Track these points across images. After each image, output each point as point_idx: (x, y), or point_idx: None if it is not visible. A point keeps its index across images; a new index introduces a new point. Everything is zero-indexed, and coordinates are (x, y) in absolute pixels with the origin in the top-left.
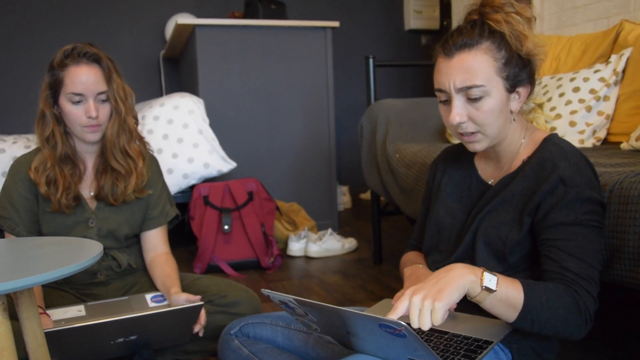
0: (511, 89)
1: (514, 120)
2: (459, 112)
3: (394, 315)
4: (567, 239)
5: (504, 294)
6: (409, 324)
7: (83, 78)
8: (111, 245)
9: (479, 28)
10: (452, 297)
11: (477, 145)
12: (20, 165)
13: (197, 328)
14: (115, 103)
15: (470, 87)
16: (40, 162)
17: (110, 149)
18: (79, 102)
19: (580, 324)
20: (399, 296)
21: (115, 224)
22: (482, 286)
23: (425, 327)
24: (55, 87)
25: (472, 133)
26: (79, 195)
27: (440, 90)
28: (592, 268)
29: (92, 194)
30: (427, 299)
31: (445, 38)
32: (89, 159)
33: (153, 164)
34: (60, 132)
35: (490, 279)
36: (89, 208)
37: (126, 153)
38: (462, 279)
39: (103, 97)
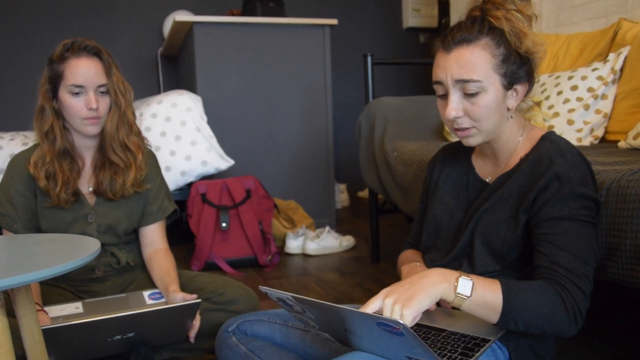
0: (508, 86)
1: (511, 117)
2: (455, 107)
3: (365, 310)
4: (560, 234)
5: (481, 297)
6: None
7: (83, 70)
8: (111, 241)
9: (479, 24)
10: (421, 304)
11: (472, 140)
12: (18, 162)
13: (192, 334)
14: (115, 96)
15: (467, 81)
16: (39, 156)
17: (109, 142)
18: (78, 94)
19: (567, 321)
20: None
21: (114, 219)
22: (455, 293)
23: None
24: (55, 81)
25: (467, 128)
26: (77, 190)
27: (438, 83)
28: (584, 264)
29: (90, 189)
30: (397, 304)
31: (445, 33)
32: (87, 154)
33: (151, 159)
34: (59, 126)
35: (464, 285)
36: (88, 204)
37: (125, 146)
38: (434, 287)
39: (103, 89)
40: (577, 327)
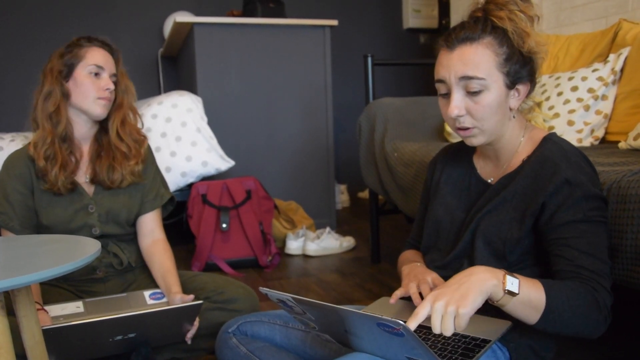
0: (511, 85)
1: (513, 117)
2: (457, 105)
3: (415, 321)
4: (578, 237)
5: (527, 296)
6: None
7: (102, 57)
8: (114, 232)
9: (482, 24)
10: (476, 302)
11: (474, 140)
12: (14, 160)
13: (190, 335)
14: (124, 86)
15: (470, 78)
16: (39, 137)
17: (116, 130)
18: (98, 74)
19: (600, 321)
20: (397, 294)
21: (114, 207)
22: (504, 290)
23: (448, 333)
24: (72, 64)
25: (469, 127)
26: (75, 180)
27: (440, 82)
28: (604, 263)
29: (87, 179)
30: (450, 305)
31: (448, 32)
32: (85, 145)
33: (146, 149)
34: (65, 109)
35: (512, 282)
36: (87, 194)
37: (131, 135)
38: (484, 283)
39: (114, 79)
40: (606, 327)
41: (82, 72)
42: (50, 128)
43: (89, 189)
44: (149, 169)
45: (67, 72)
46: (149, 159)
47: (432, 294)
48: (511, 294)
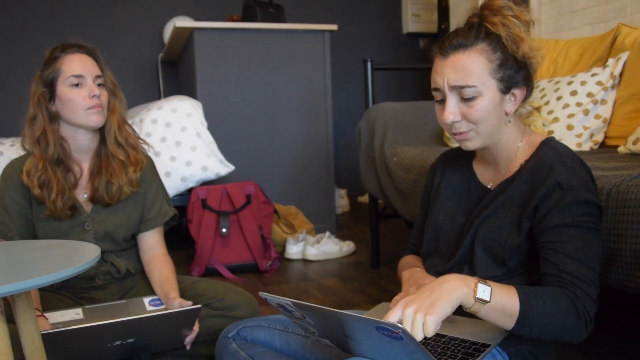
0: (505, 90)
1: (510, 122)
2: (452, 111)
3: None
4: (565, 241)
5: (499, 303)
6: None
7: (79, 63)
8: (109, 248)
9: (476, 30)
10: (443, 310)
11: (470, 143)
12: (12, 170)
13: (188, 339)
14: (113, 87)
15: (462, 87)
16: (31, 164)
17: (113, 136)
18: (79, 85)
19: (579, 327)
20: (397, 299)
21: (111, 226)
22: (475, 298)
23: (418, 338)
24: (52, 81)
25: (465, 131)
26: (74, 205)
27: (436, 90)
28: (590, 270)
29: (85, 196)
30: (419, 312)
31: (443, 39)
32: (85, 161)
33: (149, 162)
34: (52, 132)
35: (483, 290)
36: (85, 211)
37: (126, 140)
38: (454, 292)
39: (100, 81)
40: (587, 333)
41: (63, 88)
42: (40, 153)
43: (87, 207)
44: (150, 181)
45: (50, 92)
46: (149, 171)
47: (403, 300)
48: (482, 301)
